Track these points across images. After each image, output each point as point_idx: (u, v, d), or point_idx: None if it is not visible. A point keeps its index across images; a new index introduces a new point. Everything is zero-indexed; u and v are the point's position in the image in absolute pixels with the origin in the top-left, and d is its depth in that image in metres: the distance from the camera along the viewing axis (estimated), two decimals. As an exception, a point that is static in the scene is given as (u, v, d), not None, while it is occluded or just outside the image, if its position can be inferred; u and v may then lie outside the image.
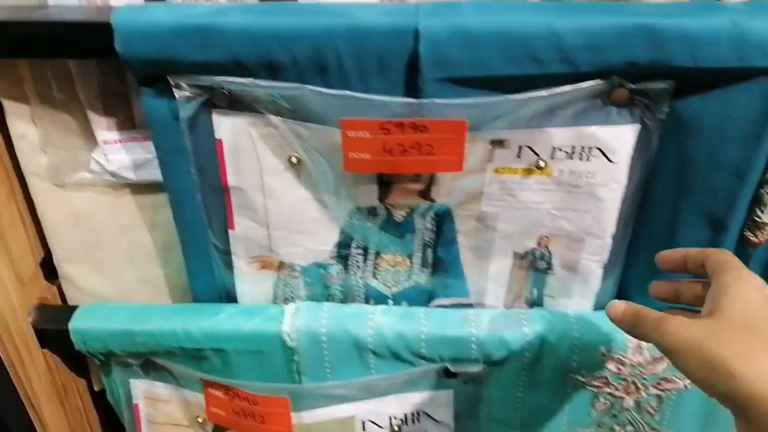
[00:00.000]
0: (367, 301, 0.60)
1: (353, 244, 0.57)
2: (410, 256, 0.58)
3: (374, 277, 0.59)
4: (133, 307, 0.61)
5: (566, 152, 0.49)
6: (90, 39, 0.45)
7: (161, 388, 0.64)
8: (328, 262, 0.59)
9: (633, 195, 0.52)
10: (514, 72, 0.44)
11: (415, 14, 0.43)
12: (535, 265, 0.57)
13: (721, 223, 0.50)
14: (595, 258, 0.55)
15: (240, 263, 0.59)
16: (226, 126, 0.51)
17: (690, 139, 0.47)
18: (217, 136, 0.51)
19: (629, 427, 0.60)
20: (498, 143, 0.50)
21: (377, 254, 0.58)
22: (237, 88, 0.47)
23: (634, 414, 0.59)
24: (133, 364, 0.62)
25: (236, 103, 0.49)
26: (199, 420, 0.65)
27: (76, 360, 0.66)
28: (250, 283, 0.60)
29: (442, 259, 0.58)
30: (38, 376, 0.62)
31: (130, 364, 0.62)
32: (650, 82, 0.45)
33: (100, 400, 0.71)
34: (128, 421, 0.67)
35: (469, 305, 0.60)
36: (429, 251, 0.57)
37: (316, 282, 0.60)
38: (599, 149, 0.49)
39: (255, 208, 0.55)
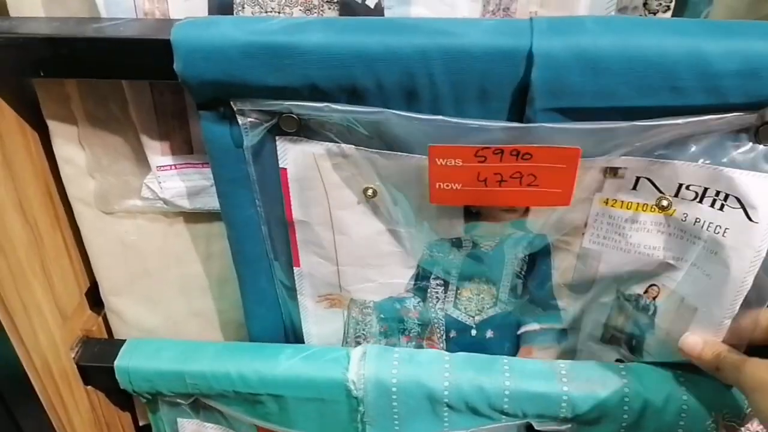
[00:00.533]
0: (447, 332, 0.54)
1: (432, 276, 0.51)
2: (497, 286, 0.51)
3: (455, 307, 0.53)
4: (183, 343, 0.56)
5: (695, 193, 0.41)
6: (147, 58, 0.40)
7: (211, 430, 0.60)
8: (405, 296, 0.52)
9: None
10: (647, 104, 0.37)
11: (529, 32, 0.36)
12: (636, 317, 0.49)
13: None
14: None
15: (306, 301, 0.53)
16: (291, 154, 0.45)
17: None
18: (281, 164, 0.45)
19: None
20: (611, 171, 0.42)
21: (459, 285, 0.51)
22: (308, 112, 0.41)
23: (746, 488, 0.52)
24: (182, 403, 0.57)
25: (304, 129, 0.43)
26: (251, 465, 0.60)
27: (120, 395, 0.61)
28: (318, 322, 0.54)
29: (532, 292, 0.51)
30: (80, 416, 0.57)
31: (178, 403, 0.57)
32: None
33: (144, 435, 0.66)
34: (175, 460, 0.62)
35: (563, 330, 0.53)
36: (519, 282, 0.51)
37: (391, 317, 0.54)
38: (738, 199, 0.40)
39: (322, 243, 0.49)
